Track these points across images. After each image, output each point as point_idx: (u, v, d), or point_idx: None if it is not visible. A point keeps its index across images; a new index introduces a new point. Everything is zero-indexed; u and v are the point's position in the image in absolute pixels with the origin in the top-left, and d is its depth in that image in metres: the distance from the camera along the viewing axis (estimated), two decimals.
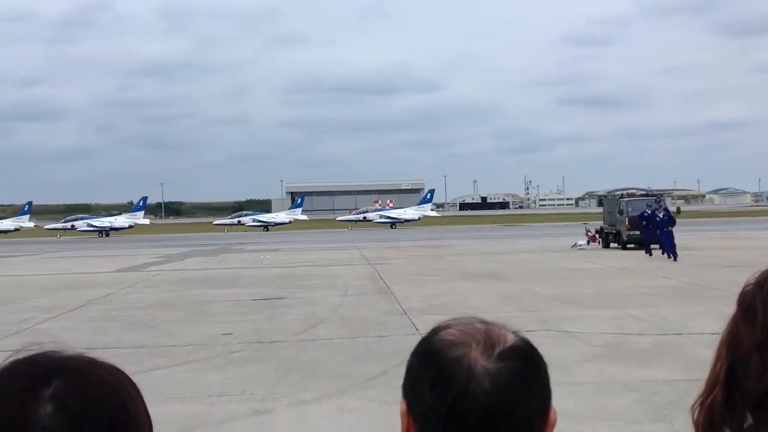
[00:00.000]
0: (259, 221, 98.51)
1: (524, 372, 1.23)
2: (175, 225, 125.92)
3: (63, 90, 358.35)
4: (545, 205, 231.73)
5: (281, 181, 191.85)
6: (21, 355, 1.05)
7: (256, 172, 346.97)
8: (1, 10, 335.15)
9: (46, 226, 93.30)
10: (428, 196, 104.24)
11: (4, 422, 0.96)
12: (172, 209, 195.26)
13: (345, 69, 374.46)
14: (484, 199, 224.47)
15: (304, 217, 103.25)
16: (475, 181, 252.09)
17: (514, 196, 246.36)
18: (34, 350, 1.06)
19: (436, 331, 1.31)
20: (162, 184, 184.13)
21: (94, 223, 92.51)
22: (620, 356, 11.49)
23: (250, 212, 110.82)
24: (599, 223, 42.35)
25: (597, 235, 40.70)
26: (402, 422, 1.29)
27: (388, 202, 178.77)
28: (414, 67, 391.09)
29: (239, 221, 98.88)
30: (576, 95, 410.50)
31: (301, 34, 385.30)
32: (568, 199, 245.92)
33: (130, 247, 56.91)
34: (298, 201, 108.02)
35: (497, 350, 1.23)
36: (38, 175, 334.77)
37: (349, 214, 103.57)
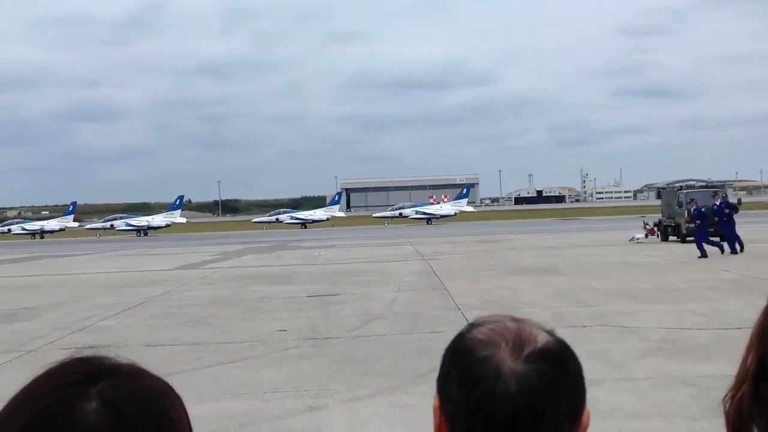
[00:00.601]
0: (297, 218, 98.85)
1: (553, 375, 1.20)
2: (213, 223, 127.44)
3: (122, 90, 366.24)
4: (602, 198, 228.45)
5: (336, 177, 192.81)
6: (74, 355, 1.09)
7: (311, 168, 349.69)
8: (63, 13, 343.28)
9: (86, 226, 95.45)
10: (464, 191, 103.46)
11: (49, 412, 1.00)
12: (229, 207, 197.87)
13: (399, 64, 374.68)
14: (539, 192, 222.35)
15: (342, 214, 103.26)
16: (530, 175, 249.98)
17: (570, 189, 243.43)
18: (88, 353, 1.10)
19: (468, 329, 1.30)
20: (219, 182, 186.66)
21: (132, 223, 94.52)
22: (677, 351, 11.29)
23: (288, 210, 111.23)
24: (658, 216, 41.61)
25: (655, 228, 39.98)
26: (434, 417, 1.29)
27: (443, 196, 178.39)
28: (469, 61, 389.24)
29: (277, 219, 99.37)
30: (632, 86, 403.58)
31: (356, 30, 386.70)
32: (625, 191, 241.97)
33: (188, 245, 57.89)
34: (336, 198, 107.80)
35: (526, 351, 1.21)
36: (98, 174, 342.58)
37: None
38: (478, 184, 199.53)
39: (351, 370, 10.80)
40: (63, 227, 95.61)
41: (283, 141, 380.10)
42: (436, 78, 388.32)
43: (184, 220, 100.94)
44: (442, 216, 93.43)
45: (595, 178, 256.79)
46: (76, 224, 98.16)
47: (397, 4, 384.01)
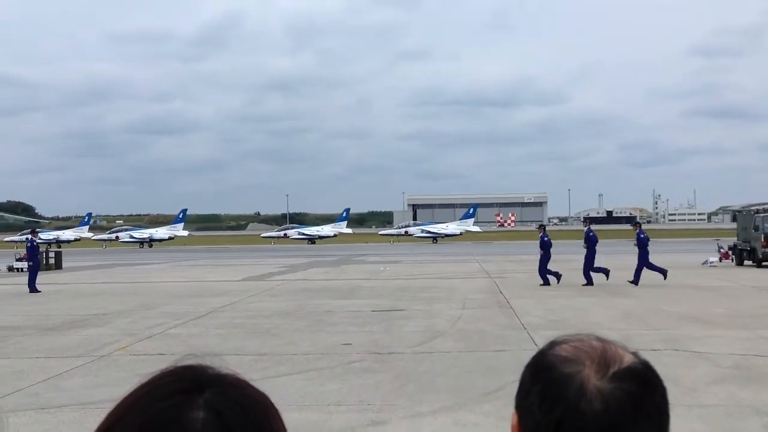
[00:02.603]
0: (304, 234, 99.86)
1: (639, 395, 1.17)
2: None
3: (195, 105, 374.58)
4: (675, 220, 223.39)
5: (403, 193, 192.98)
6: (179, 363, 1.12)
7: (377, 184, 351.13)
8: (142, 31, 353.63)
9: (94, 237, 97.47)
10: (470, 212, 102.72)
11: (158, 421, 1.02)
12: (296, 220, 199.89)
13: (467, 82, 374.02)
14: (609, 213, 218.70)
15: (348, 231, 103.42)
16: (600, 195, 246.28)
17: (641, 210, 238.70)
18: (191, 361, 1.12)
19: (551, 346, 1.28)
20: (287, 195, 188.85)
21: (135, 235, 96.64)
22: (751, 379, 10.92)
23: (296, 225, 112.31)
24: (733, 240, 40.46)
25: (730, 252, 38.89)
26: None
27: (510, 215, 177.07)
28: (537, 79, 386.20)
29: (285, 234, 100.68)
30: (706, 106, 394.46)
31: (424, 48, 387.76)
32: (699, 214, 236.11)
33: (257, 256, 58.70)
34: (344, 215, 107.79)
35: (612, 370, 1.18)
36: (171, 186, 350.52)
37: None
38: (546, 203, 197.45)
39: (414, 386, 10.76)
40: (172, 236, 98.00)
41: (350, 156, 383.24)
42: (504, 96, 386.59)
43: (186, 233, 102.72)
44: (447, 235, 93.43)
45: (667, 200, 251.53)
46: (186, 233, 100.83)
47: (465, 23, 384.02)
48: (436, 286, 27.42)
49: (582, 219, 30.91)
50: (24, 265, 38.53)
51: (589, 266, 27.87)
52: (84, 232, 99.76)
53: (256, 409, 1.07)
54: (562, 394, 1.18)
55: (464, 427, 8.73)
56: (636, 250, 28.42)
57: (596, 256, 28.43)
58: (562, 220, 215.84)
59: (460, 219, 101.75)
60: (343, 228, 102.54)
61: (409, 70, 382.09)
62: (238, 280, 32.60)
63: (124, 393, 1.10)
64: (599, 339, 1.26)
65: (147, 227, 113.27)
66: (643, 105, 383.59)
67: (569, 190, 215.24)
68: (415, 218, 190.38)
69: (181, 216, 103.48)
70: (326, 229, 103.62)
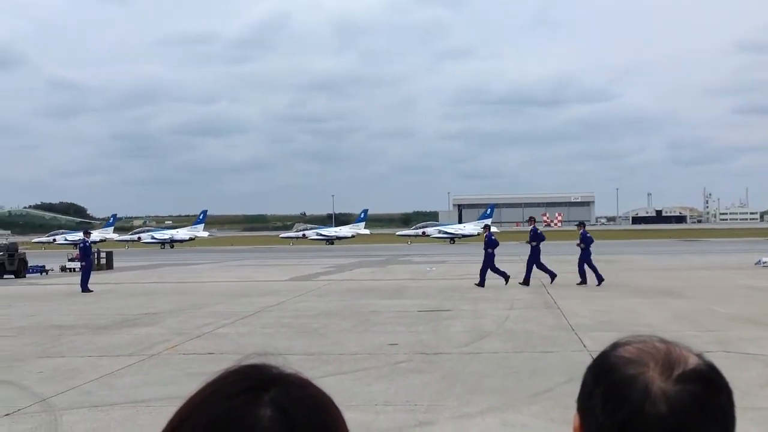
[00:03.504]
0: (322, 235, 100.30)
1: (704, 397, 1.16)
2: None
3: (241, 106, 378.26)
4: (726, 219, 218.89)
5: (448, 193, 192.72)
6: (243, 363, 1.14)
7: (422, 183, 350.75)
8: (188, 33, 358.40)
9: (117, 238, 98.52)
10: (488, 212, 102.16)
11: (226, 419, 1.05)
12: (342, 220, 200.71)
13: (511, 80, 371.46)
14: (658, 212, 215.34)
15: (367, 231, 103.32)
16: (649, 194, 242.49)
17: (691, 209, 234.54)
18: (255, 360, 1.15)
19: (614, 347, 1.27)
20: (333, 195, 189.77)
21: (156, 236, 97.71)
22: None
23: (315, 226, 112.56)
24: None
25: None
26: None
27: (557, 215, 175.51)
28: (582, 77, 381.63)
29: (304, 234, 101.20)
30: (757, 104, 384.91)
31: (467, 46, 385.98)
32: (752, 213, 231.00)
33: (303, 256, 59.08)
34: (361, 216, 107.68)
35: (677, 372, 1.17)
36: (218, 186, 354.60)
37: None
38: (593, 202, 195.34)
39: (461, 387, 10.72)
40: (193, 236, 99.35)
41: (394, 156, 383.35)
42: (548, 94, 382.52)
43: (206, 234, 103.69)
44: (464, 236, 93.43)
45: (718, 198, 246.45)
46: (206, 234, 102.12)
47: (508, 21, 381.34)
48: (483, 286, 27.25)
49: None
50: (76, 265, 39.37)
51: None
52: (109, 233, 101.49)
53: (320, 408, 1.09)
54: (626, 396, 1.17)
55: (512, 428, 8.67)
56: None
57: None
58: (610, 219, 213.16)
59: (478, 219, 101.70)
60: (361, 229, 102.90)
61: (453, 69, 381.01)
62: (285, 280, 32.85)
63: (190, 392, 1.12)
64: (663, 340, 1.25)
65: (168, 228, 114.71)
66: (691, 102, 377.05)
67: (617, 189, 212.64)
68: (460, 218, 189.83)
69: (201, 217, 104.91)
70: (344, 230, 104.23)
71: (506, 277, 27.79)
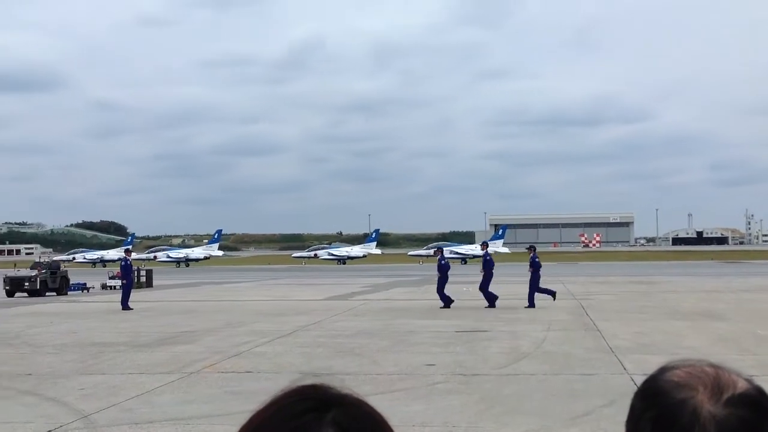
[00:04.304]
0: (334, 255, 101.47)
1: (753, 421, 1.16)
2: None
3: (280, 126, 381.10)
4: None
5: (485, 213, 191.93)
6: (298, 383, 1.17)
7: (459, 203, 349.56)
8: (228, 55, 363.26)
9: (134, 257, 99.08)
10: (500, 233, 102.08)
11: None
12: (379, 240, 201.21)
13: (549, 101, 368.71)
14: (699, 233, 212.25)
15: (378, 252, 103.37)
16: (689, 215, 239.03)
17: (733, 231, 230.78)
18: (311, 381, 1.18)
19: (662, 371, 1.26)
20: (370, 215, 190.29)
21: (172, 255, 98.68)
22: None
23: (326, 246, 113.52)
24: None
25: None
26: None
27: (595, 235, 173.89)
28: (621, 96, 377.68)
29: (315, 254, 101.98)
30: None
31: (505, 67, 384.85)
32: None
33: (339, 276, 59.22)
34: (372, 236, 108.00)
35: (726, 396, 1.17)
36: (256, 205, 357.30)
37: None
38: (632, 223, 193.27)
39: (500, 408, 10.64)
40: (208, 255, 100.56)
41: (431, 176, 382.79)
42: (587, 114, 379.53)
43: (220, 253, 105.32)
44: (475, 256, 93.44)
45: (761, 220, 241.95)
46: (221, 253, 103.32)
47: (547, 41, 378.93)
48: (519, 306, 27.09)
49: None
50: (117, 282, 39.87)
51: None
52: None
53: (378, 427, 1.13)
54: (676, 420, 1.16)
55: None
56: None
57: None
58: (650, 240, 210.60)
59: (490, 239, 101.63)
60: (372, 249, 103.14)
61: (491, 90, 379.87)
62: (321, 300, 32.93)
63: (249, 414, 1.15)
64: (712, 365, 1.25)
65: (183, 247, 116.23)
66: (732, 121, 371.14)
67: (657, 209, 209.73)
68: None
69: (216, 236, 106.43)
70: (356, 250, 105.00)
71: (448, 304, 27.90)
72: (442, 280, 28.63)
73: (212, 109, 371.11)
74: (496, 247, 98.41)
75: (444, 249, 35.24)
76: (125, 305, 28.93)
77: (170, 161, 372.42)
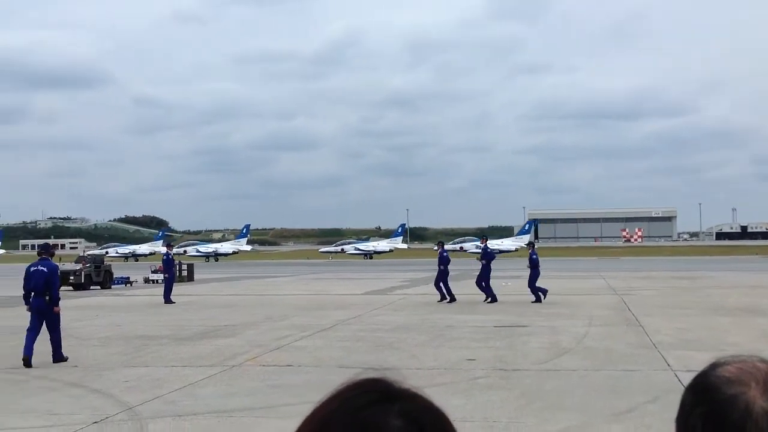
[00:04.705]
0: (360, 250, 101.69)
1: None
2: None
3: (316, 121, 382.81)
4: None
5: (523, 207, 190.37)
6: (364, 375, 1.19)
7: (497, 198, 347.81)
8: (265, 51, 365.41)
9: (164, 251, 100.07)
10: (527, 227, 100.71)
11: (364, 427, 1.10)
12: (417, 235, 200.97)
13: (587, 95, 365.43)
14: (744, 228, 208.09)
15: (404, 246, 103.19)
16: (733, 209, 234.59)
17: None
18: (373, 374, 1.20)
19: (713, 367, 1.26)
20: (407, 210, 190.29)
21: (201, 249, 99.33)
22: None
23: (353, 240, 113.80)
24: None
25: None
26: None
27: (637, 230, 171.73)
28: (661, 90, 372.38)
29: (342, 249, 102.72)
30: None
31: (543, 61, 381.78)
32: None
33: (378, 270, 59.31)
34: (399, 230, 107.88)
35: None
36: (293, 200, 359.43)
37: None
38: (675, 217, 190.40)
39: (540, 404, 10.58)
40: (236, 250, 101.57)
41: (469, 170, 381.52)
42: (626, 108, 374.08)
43: (249, 248, 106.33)
44: (501, 251, 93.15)
45: None
46: (249, 247, 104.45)
47: (585, 34, 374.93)
48: (559, 302, 26.91)
49: (527, 243, 31.48)
50: (159, 276, 40.42)
51: (482, 281, 28.45)
52: (158, 247, 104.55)
53: (442, 419, 1.15)
54: (728, 416, 1.16)
55: None
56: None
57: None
58: (693, 235, 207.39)
59: (517, 234, 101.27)
60: (399, 243, 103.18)
61: (528, 84, 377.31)
62: (360, 294, 33.03)
63: (314, 406, 1.16)
64: (763, 360, 1.25)
65: (212, 242, 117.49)
66: None
67: (700, 204, 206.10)
68: (536, 233, 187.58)
69: (244, 231, 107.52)
70: (382, 245, 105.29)
71: (449, 298, 28.08)
72: (443, 273, 28.66)
73: (250, 105, 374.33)
74: (523, 242, 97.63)
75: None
76: (168, 299, 29.32)
77: (209, 156, 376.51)
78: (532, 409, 10.33)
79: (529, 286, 28.06)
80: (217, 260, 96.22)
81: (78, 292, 38.02)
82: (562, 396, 11.09)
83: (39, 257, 15.72)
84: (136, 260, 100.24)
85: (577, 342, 16.72)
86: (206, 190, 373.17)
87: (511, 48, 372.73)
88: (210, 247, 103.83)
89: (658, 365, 13.48)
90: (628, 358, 14.35)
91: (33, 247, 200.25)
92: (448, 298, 28.13)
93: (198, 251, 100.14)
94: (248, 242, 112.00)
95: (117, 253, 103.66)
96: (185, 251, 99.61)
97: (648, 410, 9.75)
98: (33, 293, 15.13)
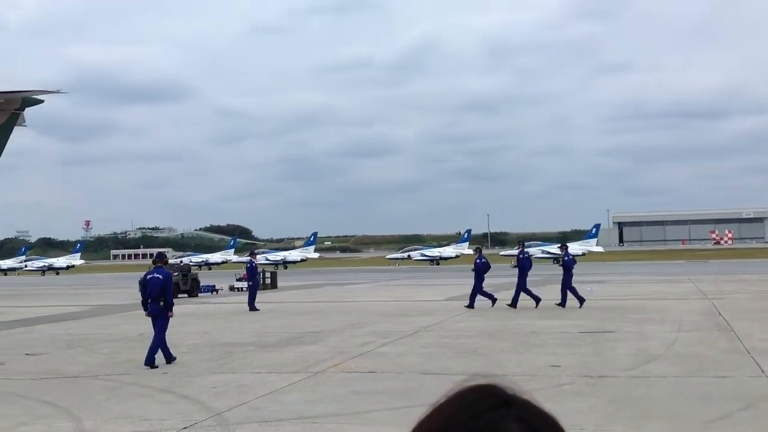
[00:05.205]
0: (426, 255, 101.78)
1: None
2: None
3: (395, 128, 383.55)
4: None
5: (607, 210, 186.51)
6: (475, 381, 1.22)
7: (579, 201, 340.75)
8: (344, 60, 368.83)
9: (236, 259, 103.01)
10: (594, 231, 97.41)
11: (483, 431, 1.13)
12: (498, 239, 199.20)
13: (671, 93, 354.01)
14: None
15: (470, 251, 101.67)
16: None
17: None
18: (483, 380, 1.22)
19: None
20: (488, 215, 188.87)
21: (270, 257, 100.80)
22: None
23: (419, 247, 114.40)
24: None
25: None
26: None
27: (727, 232, 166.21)
28: (751, 87, 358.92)
29: (409, 255, 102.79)
30: None
31: (624, 60, 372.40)
32: None
33: (459, 276, 59.00)
34: (465, 236, 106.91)
35: None
36: (374, 206, 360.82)
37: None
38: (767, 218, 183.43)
39: (629, 411, 10.34)
40: (304, 257, 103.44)
41: (549, 173, 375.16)
42: (714, 106, 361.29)
43: (317, 255, 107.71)
44: (555, 259, 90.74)
45: None
46: (316, 255, 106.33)
47: (667, 32, 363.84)
48: (647, 307, 26.26)
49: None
50: (244, 284, 41.17)
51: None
52: (230, 255, 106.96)
53: (556, 425, 1.18)
54: None
55: None
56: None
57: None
58: None
59: (584, 239, 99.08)
60: (464, 249, 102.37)
61: (609, 84, 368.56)
62: (441, 300, 32.93)
63: (426, 411, 1.19)
64: None
65: (281, 250, 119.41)
66: None
67: None
68: (621, 237, 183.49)
69: (312, 239, 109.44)
70: (448, 251, 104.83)
71: (493, 300, 28.14)
72: (480, 281, 28.71)
73: (329, 113, 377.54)
74: (590, 246, 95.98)
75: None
76: (252, 306, 29.83)
77: (291, 165, 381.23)
78: (621, 416, 10.10)
79: (565, 289, 27.81)
80: (285, 268, 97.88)
81: None
82: (651, 403, 10.81)
83: (154, 265, 16.80)
84: (210, 269, 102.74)
85: (666, 348, 16.27)
86: (288, 198, 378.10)
87: (590, 48, 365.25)
88: (279, 255, 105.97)
89: (751, 371, 13.00)
90: (719, 365, 13.89)
91: (124, 257, 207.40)
92: (489, 300, 28.08)
93: (267, 259, 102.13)
94: (330, 249, 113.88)
95: (191, 261, 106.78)
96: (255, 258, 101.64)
97: (741, 418, 9.40)
98: (149, 299, 16.16)
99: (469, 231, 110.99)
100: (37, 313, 30.73)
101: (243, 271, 41.38)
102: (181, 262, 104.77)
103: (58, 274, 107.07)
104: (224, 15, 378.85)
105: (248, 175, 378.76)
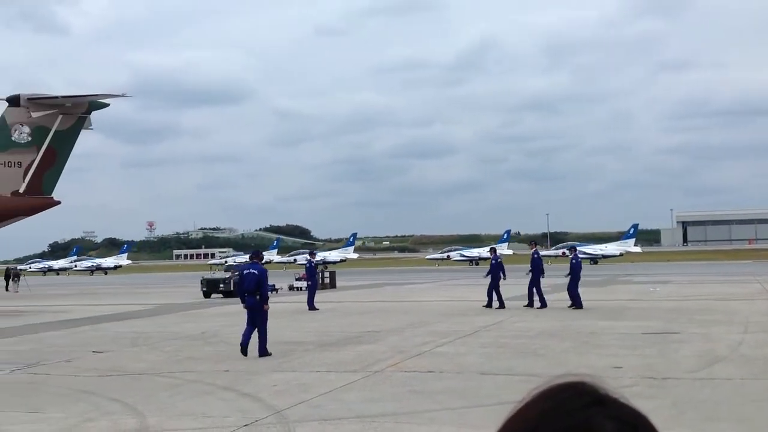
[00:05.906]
0: (465, 256, 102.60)
1: None
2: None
3: (453, 128, 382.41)
4: None
5: (671, 210, 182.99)
6: (567, 380, 1.20)
7: (641, 200, 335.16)
8: (401, 61, 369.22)
9: (277, 260, 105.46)
10: (631, 232, 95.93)
11: (578, 428, 1.12)
12: (557, 239, 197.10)
13: (736, 90, 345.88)
14: None
15: (509, 252, 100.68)
16: None
17: None
18: (574, 379, 1.20)
19: None
20: (548, 215, 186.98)
21: (310, 258, 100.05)
22: None
23: (459, 247, 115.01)
24: None
25: None
26: None
27: None
28: None
29: (448, 256, 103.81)
30: None
31: (686, 57, 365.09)
32: None
33: (516, 276, 58.49)
34: (504, 237, 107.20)
35: None
36: (432, 206, 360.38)
37: (749, 244, 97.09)
38: None
39: (694, 414, 10.12)
40: (344, 258, 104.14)
41: (610, 172, 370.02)
42: None
43: (356, 255, 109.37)
44: (605, 256, 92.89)
45: None
46: (356, 255, 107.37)
47: (731, 28, 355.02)
48: (712, 308, 25.66)
49: (569, 247, 30.30)
50: (303, 284, 41.54)
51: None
52: (273, 255, 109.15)
53: (650, 425, 1.17)
54: None
55: None
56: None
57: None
58: None
59: (621, 239, 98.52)
60: (504, 249, 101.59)
61: (671, 82, 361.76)
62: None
63: (515, 408, 1.18)
64: None
65: (322, 251, 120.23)
66: None
67: None
68: (685, 237, 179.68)
69: (351, 239, 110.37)
70: (486, 251, 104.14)
71: (492, 304, 28.03)
72: (496, 280, 28.62)
73: (388, 114, 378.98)
74: (628, 246, 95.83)
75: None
76: (311, 305, 30.07)
77: (349, 165, 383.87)
78: (686, 419, 9.89)
79: (573, 291, 27.71)
80: (326, 267, 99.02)
81: (228, 299, 39.61)
82: (717, 406, 10.56)
83: (250, 261, 18.16)
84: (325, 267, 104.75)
85: (732, 350, 15.88)
86: (346, 198, 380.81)
87: (651, 45, 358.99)
88: (319, 256, 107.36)
89: None
90: None
91: (186, 257, 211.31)
92: (497, 303, 28.03)
93: (307, 259, 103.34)
94: (388, 249, 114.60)
95: (235, 262, 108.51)
96: (295, 260, 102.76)
97: None
98: (246, 293, 17.33)
99: (508, 231, 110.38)
100: (102, 312, 31.49)
101: (302, 272, 41.78)
102: (226, 261, 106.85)
103: (106, 273, 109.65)
104: (281, 18, 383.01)
105: (307, 176, 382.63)
